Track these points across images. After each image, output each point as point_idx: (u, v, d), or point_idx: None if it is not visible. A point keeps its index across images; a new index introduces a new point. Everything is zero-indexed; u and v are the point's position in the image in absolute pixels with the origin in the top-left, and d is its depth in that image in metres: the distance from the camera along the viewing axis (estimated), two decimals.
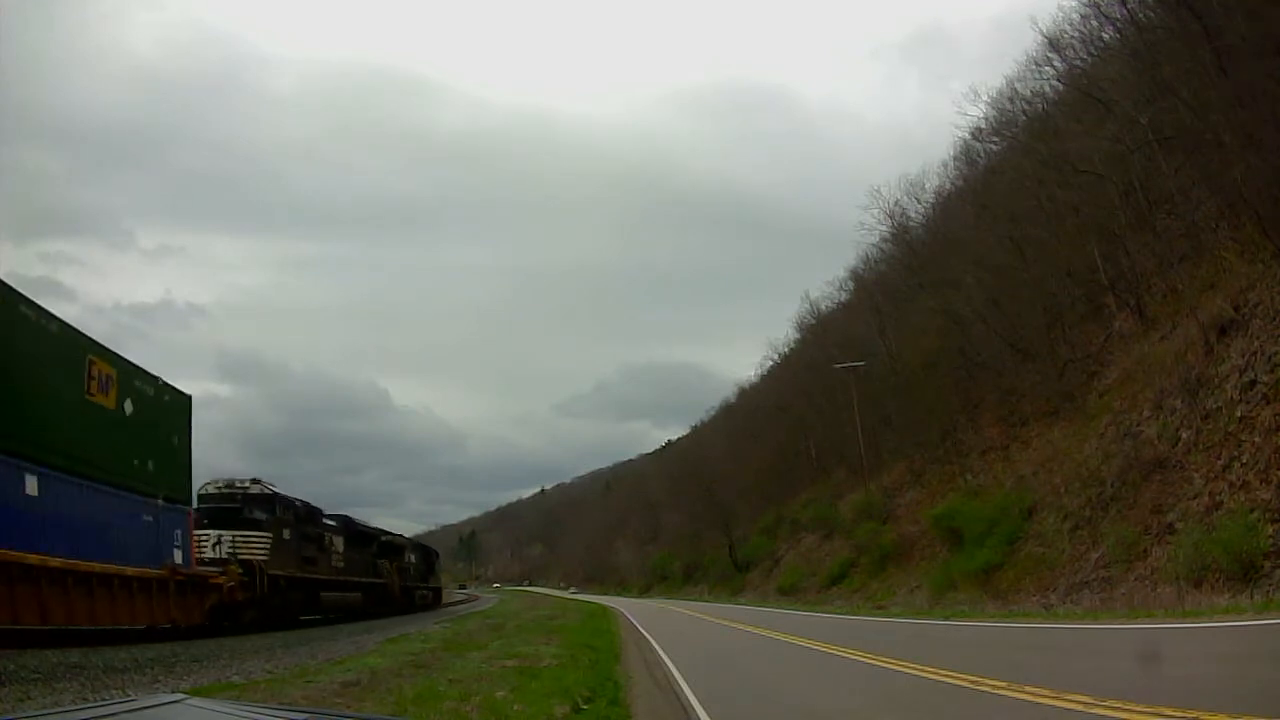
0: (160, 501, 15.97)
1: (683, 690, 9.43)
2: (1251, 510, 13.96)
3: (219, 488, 21.02)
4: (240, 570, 18.74)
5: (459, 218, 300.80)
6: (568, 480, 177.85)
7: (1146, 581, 15.92)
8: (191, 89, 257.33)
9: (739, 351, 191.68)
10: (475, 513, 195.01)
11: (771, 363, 65.86)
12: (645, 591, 75.49)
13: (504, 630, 21.55)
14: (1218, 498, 15.24)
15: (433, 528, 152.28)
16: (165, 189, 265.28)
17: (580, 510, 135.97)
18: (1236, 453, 15.38)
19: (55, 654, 11.01)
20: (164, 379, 17.16)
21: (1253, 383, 15.86)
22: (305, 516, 23.76)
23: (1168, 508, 16.70)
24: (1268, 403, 15.20)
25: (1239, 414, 15.81)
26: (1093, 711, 5.87)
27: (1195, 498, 15.94)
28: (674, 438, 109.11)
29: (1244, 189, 18.16)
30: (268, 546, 20.48)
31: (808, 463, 51.67)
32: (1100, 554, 18.12)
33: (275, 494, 22.15)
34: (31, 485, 11.81)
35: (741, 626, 21.67)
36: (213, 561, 18.61)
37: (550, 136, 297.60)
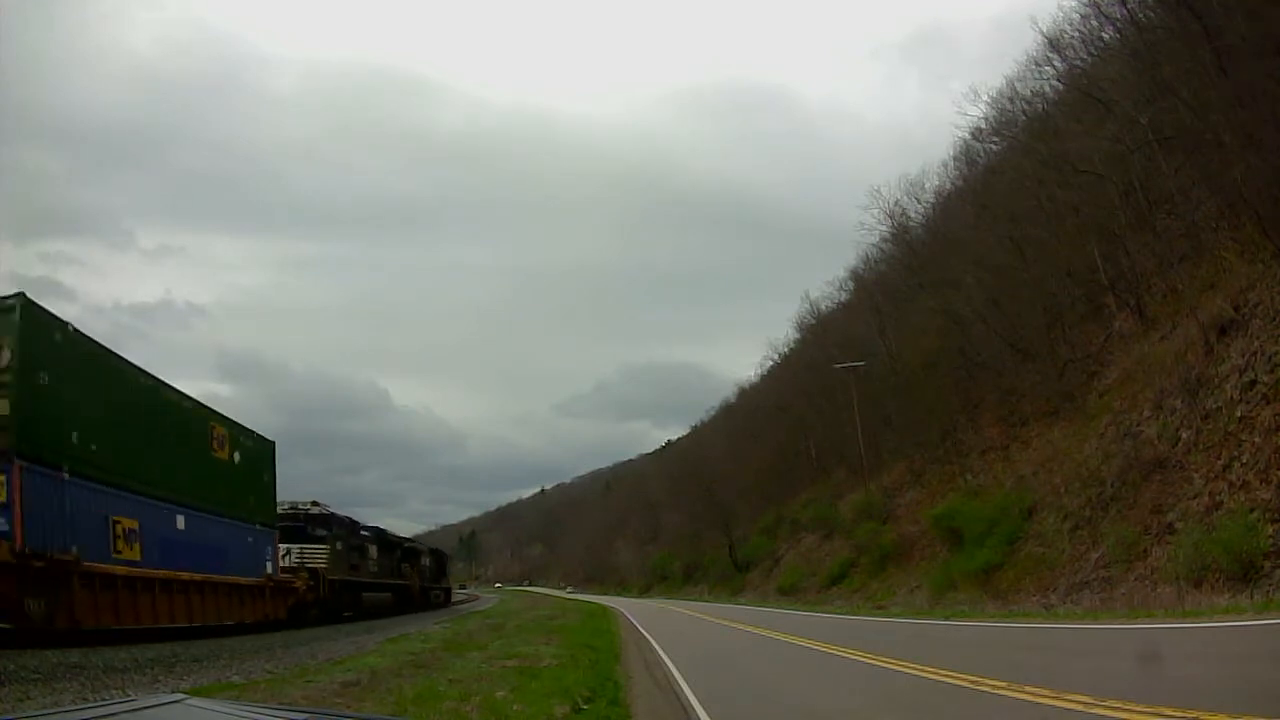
0: (258, 526, 19.99)
1: (682, 690, 9.43)
2: (1251, 510, 13.96)
3: (287, 509, 24.21)
4: (308, 576, 23.28)
5: (459, 217, 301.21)
6: (568, 480, 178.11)
7: (1146, 581, 15.92)
8: (191, 89, 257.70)
9: (739, 351, 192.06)
10: (475, 513, 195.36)
11: (771, 363, 65.97)
12: (645, 591, 75.51)
13: (504, 630, 21.55)
14: (1218, 498, 15.23)
15: (433, 528, 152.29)
16: (165, 189, 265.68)
17: (580, 510, 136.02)
18: (1236, 453, 15.38)
19: (55, 654, 11.01)
20: (256, 430, 21.04)
21: (1253, 383, 15.85)
22: (350, 530, 28.57)
23: (1168, 508, 16.70)
24: (1268, 403, 15.20)
25: (1239, 414, 15.81)
26: (1093, 711, 5.87)
27: (1195, 498, 15.94)
28: (674, 438, 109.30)
29: (1244, 189, 18.16)
30: (326, 557, 25.08)
31: (808, 463, 51.67)
32: (1100, 554, 18.12)
33: (331, 514, 26.68)
34: (180, 522, 15.89)
35: (741, 626, 21.67)
36: (285, 570, 22.37)
37: (550, 136, 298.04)
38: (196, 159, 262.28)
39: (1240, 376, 16.28)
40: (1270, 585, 12.63)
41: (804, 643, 15.09)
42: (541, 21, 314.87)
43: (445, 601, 46.22)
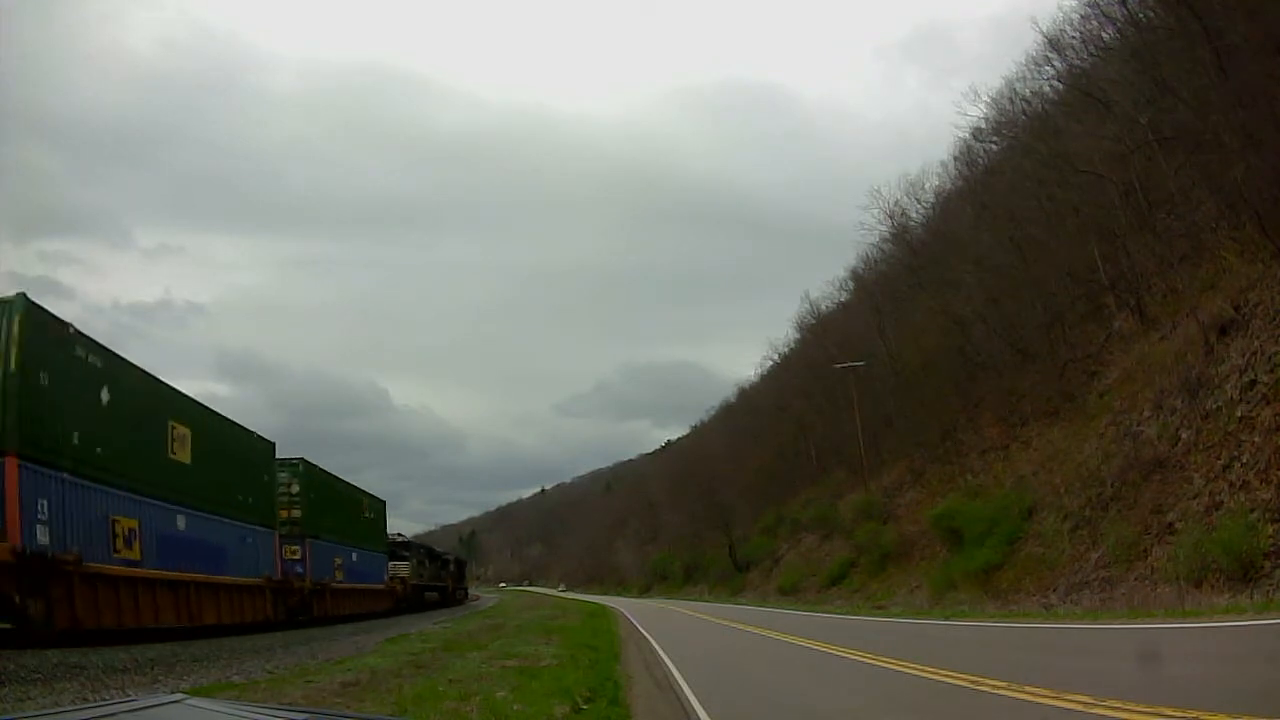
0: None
1: (682, 690, 9.43)
2: (1251, 510, 13.96)
3: (393, 537, 36.90)
4: (399, 583, 35.29)
5: (459, 217, 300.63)
6: (568, 480, 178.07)
7: (1146, 581, 15.91)
8: (190, 88, 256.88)
9: (739, 351, 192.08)
10: (475, 513, 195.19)
11: (771, 363, 65.92)
12: (645, 591, 75.52)
13: (504, 630, 21.56)
14: (1218, 498, 15.23)
15: (433, 528, 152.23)
16: (164, 188, 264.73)
17: (580, 510, 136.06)
18: (1236, 453, 15.37)
19: (55, 654, 11.02)
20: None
21: (1253, 383, 15.85)
22: (418, 551, 42.25)
23: (1168, 508, 16.70)
24: (1268, 403, 15.19)
25: (1239, 414, 15.80)
26: (1093, 711, 5.87)
27: (1195, 498, 15.93)
28: (674, 438, 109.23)
29: (1244, 189, 18.16)
30: (409, 570, 37.58)
31: (808, 463, 51.66)
32: (1100, 554, 18.12)
33: (409, 541, 41.97)
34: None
35: (741, 626, 21.67)
36: (390, 578, 34.30)
37: (550, 136, 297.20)
38: (196, 158, 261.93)
39: (1240, 376, 16.28)
40: (1270, 585, 12.63)
41: (804, 642, 15.09)
42: (541, 21, 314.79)
43: (464, 598, 56.73)
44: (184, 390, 17.33)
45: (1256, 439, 14.93)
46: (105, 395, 14.00)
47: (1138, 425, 19.52)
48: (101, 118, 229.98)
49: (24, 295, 12.15)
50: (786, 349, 61.99)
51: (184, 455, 16.54)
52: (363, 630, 22.01)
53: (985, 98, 42.62)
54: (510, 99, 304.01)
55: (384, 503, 35.09)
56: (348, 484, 29.28)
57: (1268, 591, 12.46)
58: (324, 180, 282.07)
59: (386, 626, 24.21)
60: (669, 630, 22.21)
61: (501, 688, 9.28)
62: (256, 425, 21.47)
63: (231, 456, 19.28)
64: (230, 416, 19.80)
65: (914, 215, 44.35)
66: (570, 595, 70.63)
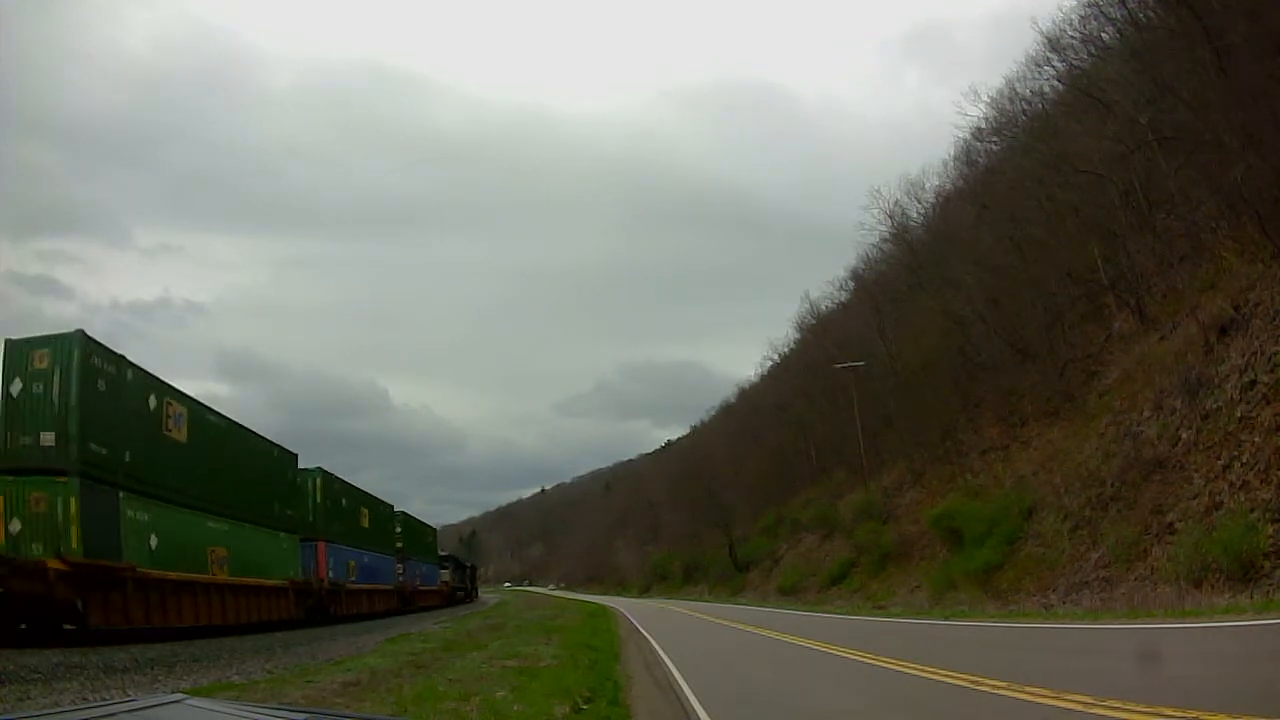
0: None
1: (682, 690, 9.43)
2: (1251, 510, 13.95)
3: (440, 556, 51.90)
4: (445, 586, 50.05)
5: (459, 216, 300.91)
6: (568, 480, 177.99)
7: (1146, 581, 15.91)
8: (189, 86, 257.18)
9: (739, 350, 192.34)
10: (475, 513, 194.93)
11: (771, 363, 65.95)
12: (645, 591, 75.53)
13: (504, 630, 21.56)
14: (1218, 498, 15.23)
15: (433, 528, 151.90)
16: (163, 187, 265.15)
17: (580, 510, 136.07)
18: (1236, 453, 15.37)
19: (55, 654, 11.03)
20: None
21: (1253, 383, 15.85)
22: (454, 561, 56.57)
23: (1168, 508, 16.69)
24: (1268, 403, 15.19)
25: (1239, 414, 15.80)
26: (1093, 711, 5.87)
27: (1195, 498, 15.93)
28: (674, 438, 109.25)
29: (1244, 189, 18.15)
30: (450, 576, 52.64)
31: (808, 463, 51.65)
32: (1100, 554, 18.12)
33: (451, 555, 58.21)
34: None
35: (741, 626, 21.67)
36: (441, 582, 49.41)
37: (550, 135, 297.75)
38: (195, 157, 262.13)
39: (1240, 376, 16.28)
40: (1270, 585, 12.63)
41: (804, 642, 15.09)
42: (540, 20, 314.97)
43: (476, 596, 65.58)
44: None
45: (1256, 439, 14.93)
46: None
47: (1138, 425, 19.51)
48: (100, 116, 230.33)
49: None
50: (786, 349, 62.09)
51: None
52: (363, 630, 22.03)
53: (985, 98, 42.64)
54: (510, 99, 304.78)
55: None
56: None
57: (1268, 591, 12.46)
58: (323, 180, 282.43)
59: (387, 626, 24.27)
60: (669, 630, 22.20)
61: (501, 688, 9.27)
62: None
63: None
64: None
65: (914, 215, 44.38)
66: (559, 594, 71.12)
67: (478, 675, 10.72)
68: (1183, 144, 21.57)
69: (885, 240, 45.13)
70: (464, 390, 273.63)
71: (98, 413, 13.33)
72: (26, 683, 9.04)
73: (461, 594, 56.57)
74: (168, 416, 15.68)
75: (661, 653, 14.72)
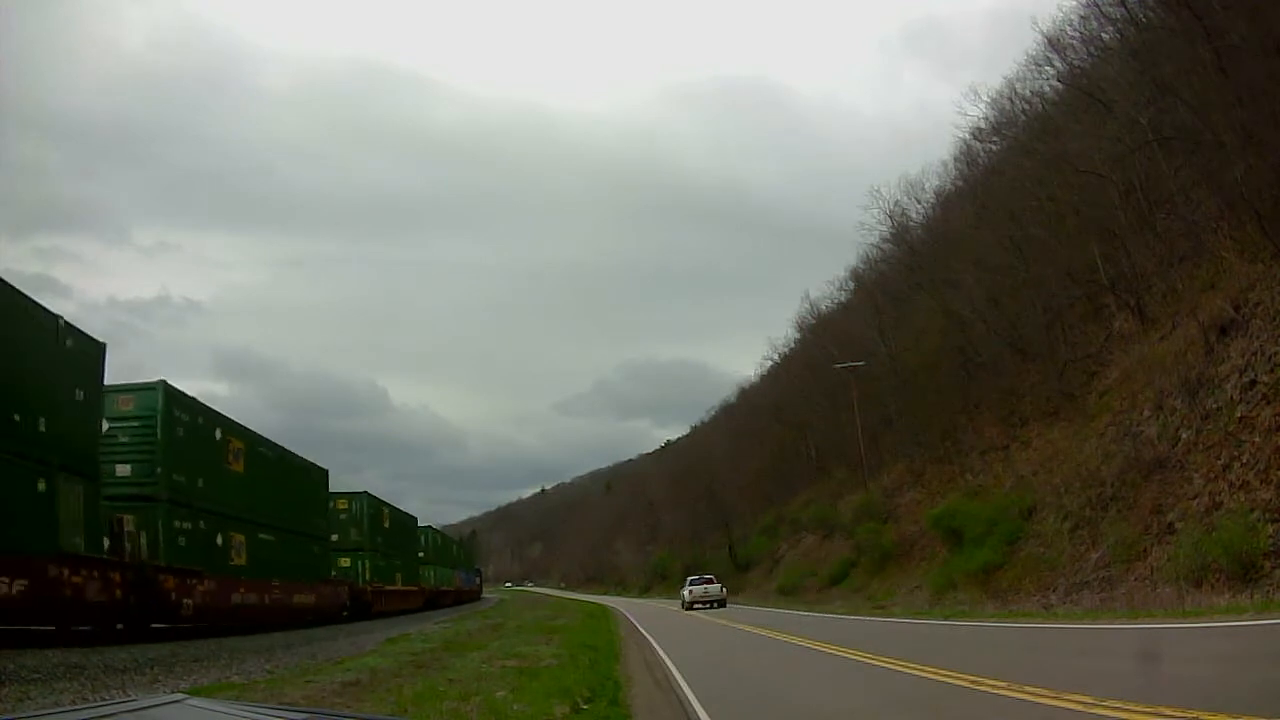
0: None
1: (683, 690, 9.43)
2: (1251, 510, 13.96)
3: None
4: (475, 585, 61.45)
5: (458, 215, 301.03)
6: (568, 480, 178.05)
7: (1146, 581, 15.91)
8: (187, 85, 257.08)
9: (739, 349, 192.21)
10: (475, 513, 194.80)
11: (771, 362, 65.97)
12: (645, 591, 75.52)
13: (503, 630, 21.56)
14: (1218, 498, 15.23)
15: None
16: (162, 185, 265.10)
17: (580, 510, 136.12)
18: (1236, 453, 15.37)
19: (55, 654, 11.03)
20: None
21: (1253, 383, 15.85)
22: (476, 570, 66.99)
23: (1168, 508, 16.70)
24: (1268, 403, 15.19)
25: (1239, 414, 15.80)
26: (1093, 711, 5.87)
27: (1195, 498, 15.93)
28: (674, 437, 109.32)
29: (1244, 189, 18.16)
30: (463, 580, 55.56)
31: (808, 463, 51.67)
32: (1100, 554, 18.12)
33: (478, 569, 72.09)
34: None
35: (741, 626, 21.67)
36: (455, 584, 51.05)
37: (548, 134, 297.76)
38: (193, 155, 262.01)
39: (1240, 376, 16.28)
40: (1270, 585, 12.63)
41: (804, 642, 15.09)
42: (538, 18, 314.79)
43: (480, 597, 67.55)
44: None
45: (1256, 439, 14.93)
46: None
47: (1138, 425, 19.52)
48: (98, 114, 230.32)
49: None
50: (786, 349, 62.09)
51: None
52: (363, 630, 22.04)
53: (985, 98, 42.74)
54: (508, 96, 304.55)
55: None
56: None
57: (1268, 591, 12.46)
58: (322, 179, 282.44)
59: (388, 626, 24.27)
60: (668, 630, 22.21)
61: (501, 687, 9.27)
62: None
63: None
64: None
65: (914, 215, 44.42)
66: (559, 594, 71.53)
67: (478, 675, 10.72)
68: (1183, 144, 21.58)
69: (885, 240, 45.22)
70: (464, 390, 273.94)
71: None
72: (26, 683, 9.03)
73: (469, 595, 61.80)
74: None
75: (661, 652, 14.72)
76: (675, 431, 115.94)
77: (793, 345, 60.39)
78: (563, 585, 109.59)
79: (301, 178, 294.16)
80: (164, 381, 16.03)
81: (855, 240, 66.49)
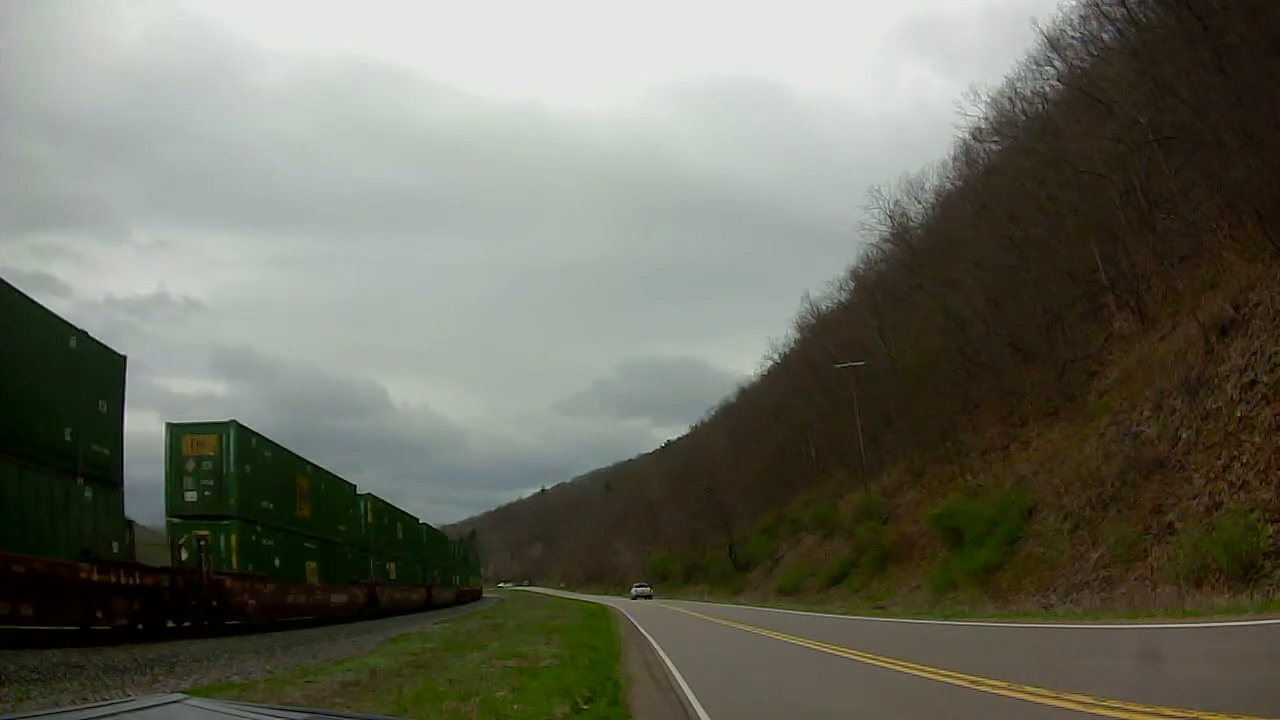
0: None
1: (683, 690, 9.43)
2: (1251, 510, 13.96)
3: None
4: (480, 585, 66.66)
5: (456, 213, 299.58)
6: (568, 480, 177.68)
7: (1146, 581, 15.92)
8: (184, 83, 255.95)
9: (739, 348, 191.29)
10: (475, 512, 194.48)
11: (772, 362, 65.98)
12: None
13: (503, 630, 21.56)
14: (1218, 498, 15.24)
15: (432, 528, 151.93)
16: (160, 183, 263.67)
17: (580, 510, 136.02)
18: (1236, 453, 15.38)
19: (55, 654, 11.04)
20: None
21: (1253, 383, 15.86)
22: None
23: (1168, 508, 16.71)
24: (1268, 403, 15.20)
25: (1239, 414, 15.81)
26: (1093, 711, 5.87)
27: (1195, 498, 15.94)
28: (674, 437, 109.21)
29: (1244, 189, 18.17)
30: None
31: (808, 463, 51.68)
32: (1100, 554, 18.13)
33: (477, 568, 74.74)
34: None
35: (742, 626, 21.67)
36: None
37: (546, 133, 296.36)
38: (191, 153, 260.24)
39: (1240, 376, 16.29)
40: (1270, 585, 12.64)
41: (804, 642, 15.09)
42: (534, 16, 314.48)
43: (479, 596, 68.70)
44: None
45: (1256, 439, 14.94)
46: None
47: (1138, 425, 19.52)
48: (95, 112, 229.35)
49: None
50: (787, 349, 62.11)
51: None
52: (363, 630, 22.05)
53: (985, 97, 42.69)
54: (506, 95, 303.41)
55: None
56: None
57: (1268, 591, 12.47)
58: (321, 177, 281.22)
59: (389, 626, 24.28)
60: (669, 630, 22.20)
61: (501, 688, 9.27)
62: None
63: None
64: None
65: (914, 215, 44.42)
66: (559, 593, 72.16)
67: (478, 675, 10.71)
68: (1183, 144, 21.58)
69: (885, 240, 45.20)
70: (463, 390, 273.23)
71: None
72: (26, 683, 9.03)
73: (469, 594, 61.46)
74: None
75: (661, 652, 14.71)
76: (675, 431, 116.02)
77: (793, 345, 60.50)
78: (563, 585, 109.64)
79: (301, 176, 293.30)
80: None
81: (855, 240, 66.46)
